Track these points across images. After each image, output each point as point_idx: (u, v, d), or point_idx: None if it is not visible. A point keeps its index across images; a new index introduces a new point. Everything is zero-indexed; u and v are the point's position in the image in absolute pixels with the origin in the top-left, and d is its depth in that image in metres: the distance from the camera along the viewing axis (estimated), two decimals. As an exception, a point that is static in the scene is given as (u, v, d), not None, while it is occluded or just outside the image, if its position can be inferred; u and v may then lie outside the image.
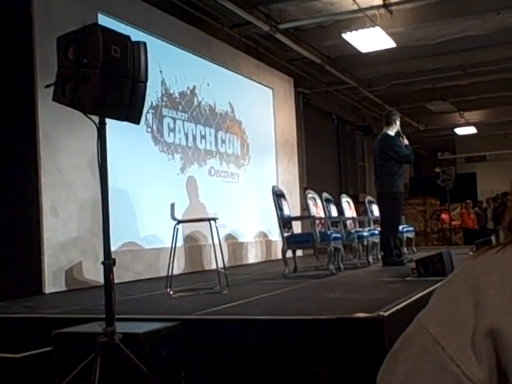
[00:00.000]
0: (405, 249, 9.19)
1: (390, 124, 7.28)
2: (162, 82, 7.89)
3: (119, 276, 6.01)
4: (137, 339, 3.18)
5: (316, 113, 13.62)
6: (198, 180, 8.36)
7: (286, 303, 4.40)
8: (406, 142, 7.33)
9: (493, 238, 9.49)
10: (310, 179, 12.25)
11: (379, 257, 7.68)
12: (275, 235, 9.55)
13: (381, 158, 7.18)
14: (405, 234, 9.23)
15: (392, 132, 7.26)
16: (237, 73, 9.73)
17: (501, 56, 11.41)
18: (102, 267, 3.23)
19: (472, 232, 16.37)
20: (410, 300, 3.82)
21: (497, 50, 11.13)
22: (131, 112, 3.38)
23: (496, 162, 19.16)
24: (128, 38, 3.37)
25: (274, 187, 7.13)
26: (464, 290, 0.68)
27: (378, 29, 8.94)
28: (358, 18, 9.12)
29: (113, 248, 3.36)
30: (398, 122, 7.34)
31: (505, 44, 10.77)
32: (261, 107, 10.58)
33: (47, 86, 3.26)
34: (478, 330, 0.63)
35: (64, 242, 6.10)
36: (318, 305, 4.08)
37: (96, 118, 3.23)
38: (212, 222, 5.36)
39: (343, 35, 9.24)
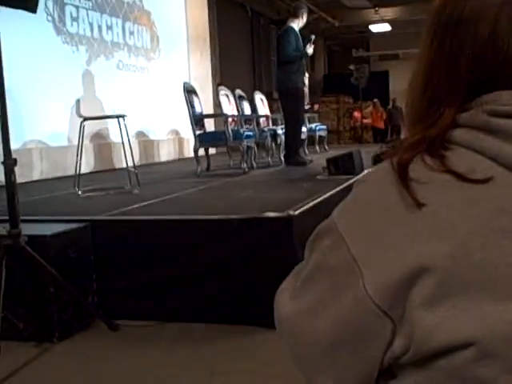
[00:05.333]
0: (317, 147, 9.36)
1: (296, 16, 6.91)
2: (63, -34, 7.29)
3: (24, 174, 5.77)
4: (44, 241, 3.07)
5: (229, 4, 13.18)
6: (106, 74, 7.97)
7: (197, 203, 4.38)
8: (310, 50, 6.96)
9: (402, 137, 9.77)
10: (223, 75, 12.03)
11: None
12: (188, 133, 9.41)
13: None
14: (317, 133, 9.36)
15: (296, 26, 6.88)
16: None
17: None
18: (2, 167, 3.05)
19: (381, 131, 16.82)
20: (320, 199, 3.88)
21: None
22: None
23: (409, 60, 19.29)
24: None
25: (185, 83, 6.92)
26: (376, 191, 0.67)
27: None
28: None
29: (16, 146, 3.17)
30: (305, 17, 6.99)
31: None
32: (171, -3, 10.08)
33: None
34: (388, 233, 0.63)
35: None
36: (230, 204, 4.09)
37: (-13, 6, 2.93)
38: (120, 120, 5.16)
39: None
